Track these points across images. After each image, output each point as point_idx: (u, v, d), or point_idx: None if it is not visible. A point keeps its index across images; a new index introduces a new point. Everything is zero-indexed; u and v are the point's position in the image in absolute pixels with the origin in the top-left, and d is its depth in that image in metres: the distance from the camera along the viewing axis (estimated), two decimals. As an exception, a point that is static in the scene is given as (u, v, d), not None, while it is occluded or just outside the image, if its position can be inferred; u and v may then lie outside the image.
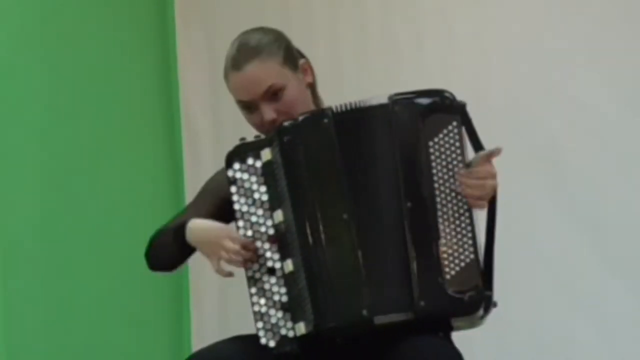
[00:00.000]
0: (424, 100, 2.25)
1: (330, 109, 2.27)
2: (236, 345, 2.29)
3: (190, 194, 4.00)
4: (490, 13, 3.51)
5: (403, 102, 2.24)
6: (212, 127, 4.08)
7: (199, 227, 2.32)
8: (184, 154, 4.13)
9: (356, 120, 2.26)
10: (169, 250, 2.40)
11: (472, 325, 2.27)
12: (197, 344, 3.89)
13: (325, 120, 2.25)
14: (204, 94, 4.11)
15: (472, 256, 2.21)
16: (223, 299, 4.02)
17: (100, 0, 3.83)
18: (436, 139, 2.22)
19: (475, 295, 2.20)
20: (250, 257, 2.25)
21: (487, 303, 2.22)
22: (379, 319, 2.20)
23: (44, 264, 3.48)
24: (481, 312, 2.23)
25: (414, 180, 2.22)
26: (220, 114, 4.06)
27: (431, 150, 2.22)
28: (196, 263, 3.97)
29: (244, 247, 2.23)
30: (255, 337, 2.26)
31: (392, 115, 2.24)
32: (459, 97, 2.28)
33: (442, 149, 2.22)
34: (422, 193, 2.22)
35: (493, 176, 2.22)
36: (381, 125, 2.24)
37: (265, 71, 2.31)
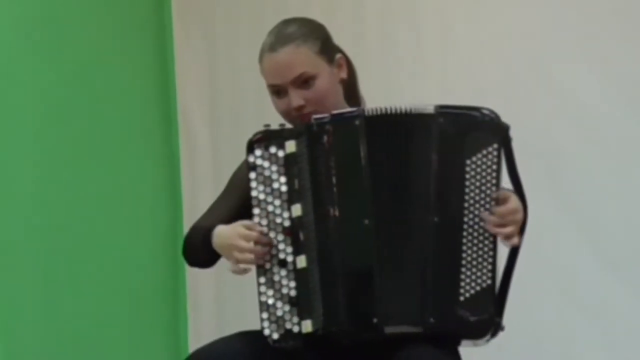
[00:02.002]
0: (470, 116, 2.18)
1: (363, 110, 2.22)
2: (238, 342, 2.24)
3: (187, 193, 4.02)
4: (490, 13, 3.51)
5: (449, 115, 2.18)
6: (209, 127, 4.05)
7: (219, 233, 2.27)
8: (180, 154, 4.09)
9: (391, 125, 2.20)
10: (200, 254, 2.37)
11: (475, 345, 2.22)
12: (194, 343, 3.84)
13: (357, 122, 2.19)
14: (201, 94, 4.08)
15: (489, 281, 2.17)
16: (220, 298, 3.98)
17: (98, 1, 3.80)
18: (474, 158, 2.16)
19: (486, 321, 2.16)
20: (264, 254, 2.20)
21: (495, 329, 2.18)
22: (389, 329, 2.16)
23: (40, 264, 3.43)
24: (488, 336, 2.19)
25: (445, 196, 2.17)
26: (217, 113, 4.04)
27: (467, 168, 2.16)
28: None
29: (257, 242, 2.19)
30: (257, 334, 2.21)
31: (435, 125, 2.18)
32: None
33: (479, 169, 2.16)
34: (451, 210, 2.17)
35: (517, 211, 2.17)
36: (422, 134, 2.18)
37: (299, 57, 2.28)
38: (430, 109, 2.19)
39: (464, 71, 3.50)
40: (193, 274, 3.98)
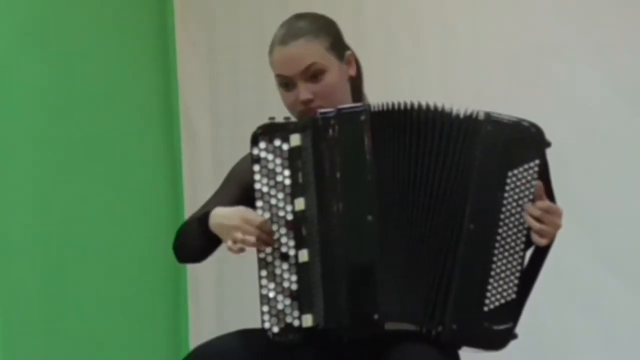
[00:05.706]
0: (517, 129, 2.18)
1: (369, 105, 2.20)
2: (238, 339, 2.22)
3: (188, 192, 4.01)
4: (490, 12, 3.50)
5: (498, 123, 2.17)
6: (211, 126, 4.05)
7: (219, 213, 2.24)
8: (182, 153, 4.09)
9: (398, 122, 2.18)
10: (194, 241, 2.33)
11: (482, 352, 2.20)
12: (195, 340, 3.83)
13: (363, 117, 2.18)
14: (203, 93, 4.08)
15: (513, 295, 2.16)
16: (220, 295, 3.97)
17: (99, 0, 3.80)
18: (516, 171, 2.15)
19: (505, 334, 2.16)
20: (265, 239, 2.18)
21: (510, 340, 2.18)
22: (390, 325, 2.14)
23: (40, 262, 3.42)
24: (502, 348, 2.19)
25: (483, 204, 2.15)
26: (219, 112, 4.03)
27: (508, 180, 2.15)
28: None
29: (260, 227, 2.17)
30: (257, 332, 2.19)
31: (482, 131, 2.16)
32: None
33: (519, 183, 2.15)
34: (487, 219, 2.15)
35: (559, 215, 2.17)
36: (467, 138, 2.16)
37: (309, 50, 2.28)
38: (480, 115, 2.17)
39: (465, 71, 3.49)
40: (194, 271, 3.98)
